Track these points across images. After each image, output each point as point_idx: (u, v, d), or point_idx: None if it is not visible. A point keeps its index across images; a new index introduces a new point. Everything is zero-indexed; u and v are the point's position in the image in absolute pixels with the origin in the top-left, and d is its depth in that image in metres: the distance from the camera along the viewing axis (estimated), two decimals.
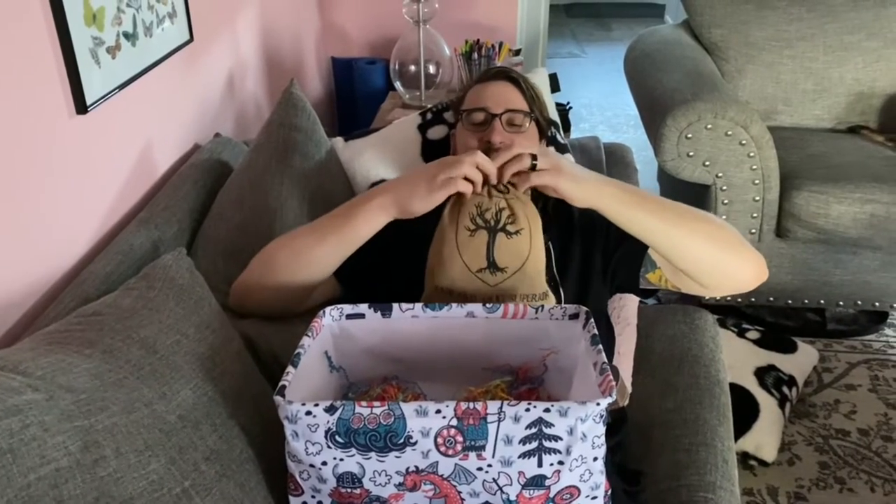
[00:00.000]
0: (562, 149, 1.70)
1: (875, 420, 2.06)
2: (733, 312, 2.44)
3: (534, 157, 1.10)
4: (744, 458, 1.90)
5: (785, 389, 2.04)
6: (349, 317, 1.02)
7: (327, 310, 1.02)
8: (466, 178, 1.10)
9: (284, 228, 1.44)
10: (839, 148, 2.40)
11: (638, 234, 1.14)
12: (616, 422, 1.24)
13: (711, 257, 1.16)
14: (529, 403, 0.82)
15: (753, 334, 2.24)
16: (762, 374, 2.06)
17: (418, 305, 1.02)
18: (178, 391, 0.94)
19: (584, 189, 1.11)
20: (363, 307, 1.02)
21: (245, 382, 1.05)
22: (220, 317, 1.09)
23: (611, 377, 0.86)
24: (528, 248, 1.11)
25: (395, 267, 1.25)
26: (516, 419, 0.82)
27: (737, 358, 2.10)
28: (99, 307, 1.01)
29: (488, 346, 1.04)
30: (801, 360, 2.17)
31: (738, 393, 1.97)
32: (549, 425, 0.82)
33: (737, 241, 1.17)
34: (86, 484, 0.79)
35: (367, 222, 1.14)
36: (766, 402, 1.98)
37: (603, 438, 0.86)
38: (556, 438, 0.83)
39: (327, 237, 1.15)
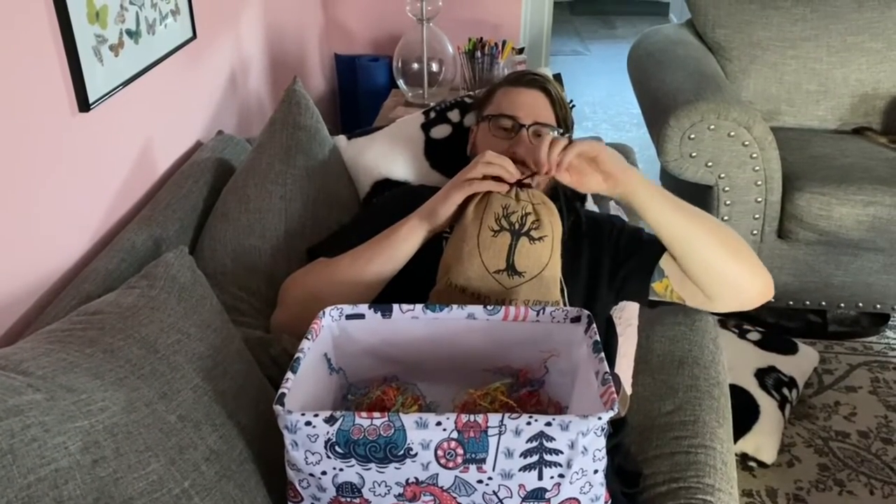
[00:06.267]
0: None
1: (875, 422, 2.06)
2: (734, 313, 2.43)
3: (567, 138, 1.16)
4: (743, 459, 1.90)
5: (785, 391, 2.04)
6: (349, 317, 1.02)
7: (327, 310, 1.01)
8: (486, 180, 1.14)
9: (290, 229, 1.44)
10: (842, 149, 2.39)
11: (661, 226, 1.16)
12: (615, 424, 1.24)
13: (724, 265, 1.17)
14: (531, 417, 0.82)
15: (754, 335, 2.24)
16: (762, 375, 2.06)
17: (419, 306, 1.01)
18: (178, 391, 0.94)
19: (623, 163, 1.14)
20: (363, 307, 1.02)
21: (246, 382, 1.06)
22: (221, 316, 1.09)
23: (612, 388, 0.86)
24: (548, 256, 1.11)
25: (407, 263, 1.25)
26: (517, 432, 0.82)
27: (737, 359, 2.10)
28: (100, 306, 1.01)
29: (489, 347, 1.03)
30: (802, 362, 2.17)
31: (739, 394, 1.97)
32: (551, 439, 0.82)
33: (750, 254, 1.19)
34: (86, 484, 0.79)
35: (405, 241, 1.19)
36: (767, 404, 1.98)
37: (604, 451, 0.86)
38: (557, 452, 0.83)
39: (374, 259, 1.20)
